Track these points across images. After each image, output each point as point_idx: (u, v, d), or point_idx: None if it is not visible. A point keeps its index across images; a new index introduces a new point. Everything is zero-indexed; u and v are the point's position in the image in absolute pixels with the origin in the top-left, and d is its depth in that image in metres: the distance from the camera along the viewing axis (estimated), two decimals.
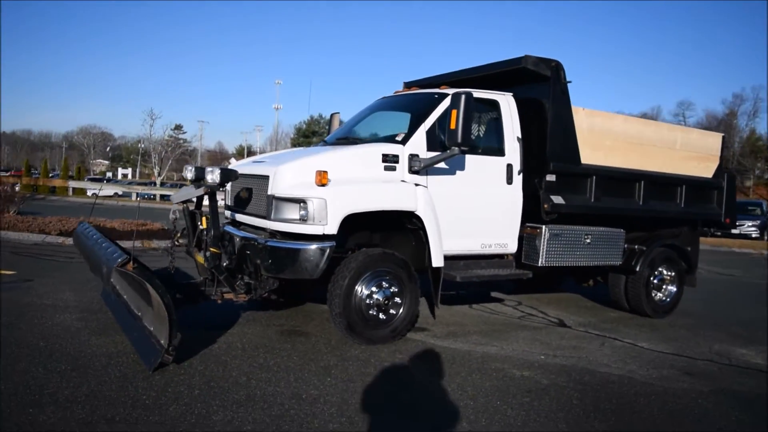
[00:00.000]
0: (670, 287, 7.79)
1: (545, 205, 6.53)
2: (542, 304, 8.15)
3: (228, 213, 6.51)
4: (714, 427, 4.04)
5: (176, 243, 5.94)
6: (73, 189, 34.96)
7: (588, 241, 6.87)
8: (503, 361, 5.24)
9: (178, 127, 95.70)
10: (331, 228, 5.19)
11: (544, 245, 6.51)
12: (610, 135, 7.01)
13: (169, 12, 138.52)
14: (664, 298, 7.75)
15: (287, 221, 5.30)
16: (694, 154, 7.87)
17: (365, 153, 5.70)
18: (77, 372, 4.24)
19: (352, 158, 5.66)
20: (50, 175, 44.42)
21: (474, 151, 6.27)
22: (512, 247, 6.55)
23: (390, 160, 5.66)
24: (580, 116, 6.70)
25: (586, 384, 4.75)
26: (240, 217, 6.15)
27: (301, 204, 5.20)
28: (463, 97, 5.43)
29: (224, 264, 5.59)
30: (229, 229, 6.11)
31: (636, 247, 7.50)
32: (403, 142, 5.81)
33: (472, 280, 6.19)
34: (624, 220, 7.40)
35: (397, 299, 5.60)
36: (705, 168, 8.01)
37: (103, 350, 4.79)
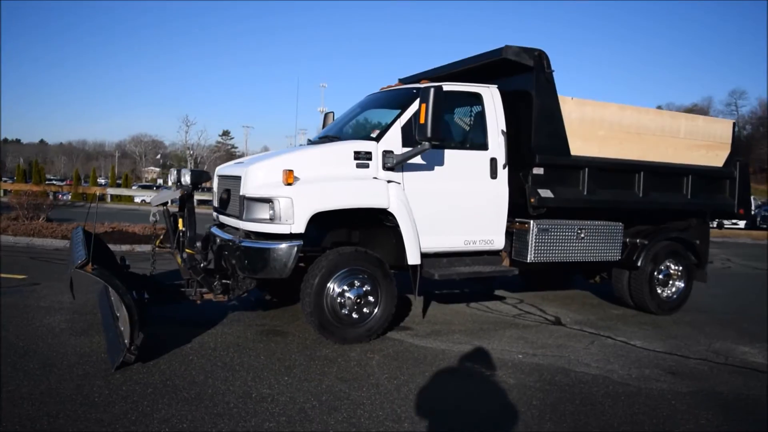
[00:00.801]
0: (677, 283, 7.43)
1: (531, 199, 6.33)
2: (545, 302, 7.91)
3: (214, 215, 6.60)
4: (677, 429, 3.81)
5: (157, 245, 6.05)
6: (111, 196, 36.50)
7: (582, 235, 6.63)
8: (470, 361, 5.11)
9: (225, 133, 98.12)
10: (298, 227, 5.18)
11: (532, 241, 6.32)
12: (603, 125, 6.74)
13: (218, 14, 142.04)
14: (670, 295, 7.39)
15: (257, 221, 5.32)
16: (702, 143, 7.47)
17: (337, 151, 5.66)
18: (43, 370, 4.37)
19: (323, 157, 5.63)
20: (102, 183, 46.50)
21: (454, 145, 6.19)
22: (499, 243, 6.37)
23: (362, 158, 5.61)
24: (568, 106, 6.47)
25: (555, 384, 4.57)
26: (222, 219, 6.22)
27: (269, 203, 5.21)
28: (431, 90, 5.33)
29: (202, 265, 5.67)
30: (214, 230, 6.20)
31: (638, 241, 7.19)
32: (378, 138, 5.75)
33: (452, 278, 6.05)
34: (625, 213, 7.12)
35: (371, 298, 5.53)
36: (714, 156, 7.60)
37: (77, 350, 4.91)
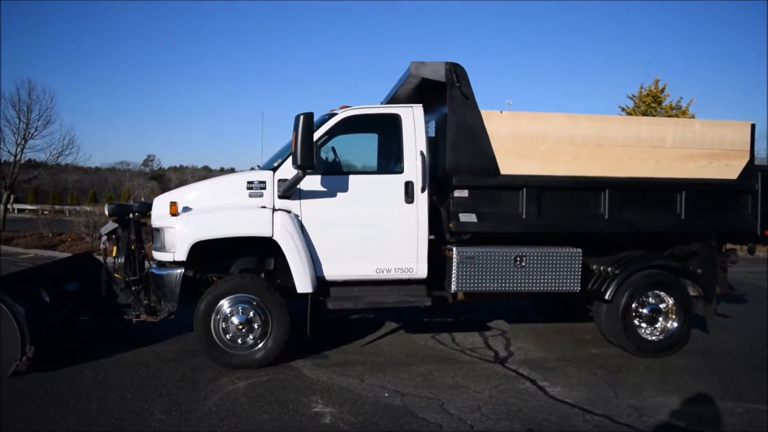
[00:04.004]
0: (669, 320, 6.19)
1: (450, 224, 5.88)
2: (528, 336, 7.12)
3: None
4: None
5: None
6: None
7: (523, 263, 5.91)
8: (327, 394, 4.94)
9: None
10: (180, 255, 5.53)
11: (455, 269, 5.84)
12: (547, 139, 5.97)
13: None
14: (657, 334, 6.18)
15: (156, 249, 5.81)
16: (701, 151, 6.18)
17: (231, 181, 5.93)
18: None
19: (218, 187, 5.94)
20: None
21: (361, 170, 6.11)
22: (420, 271, 5.99)
23: (255, 187, 5.77)
24: (495, 121, 5.89)
25: (371, 427, 4.25)
26: None
27: (159, 233, 5.66)
28: (301, 118, 5.34)
29: (133, 288, 6.29)
30: None
31: (609, 269, 6.18)
32: (276, 168, 5.87)
33: (344, 307, 5.86)
34: (595, 237, 6.20)
35: (258, 325, 5.61)
36: (724, 167, 6.21)
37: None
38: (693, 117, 19.20)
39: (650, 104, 19.83)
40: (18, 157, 17.87)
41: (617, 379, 5.47)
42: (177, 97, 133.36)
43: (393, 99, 7.01)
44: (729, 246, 6.84)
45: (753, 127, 6.27)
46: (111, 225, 6.54)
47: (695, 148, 6.17)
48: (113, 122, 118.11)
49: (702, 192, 6.17)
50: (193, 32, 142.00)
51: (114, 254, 6.36)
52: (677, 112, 19.62)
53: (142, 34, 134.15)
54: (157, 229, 5.72)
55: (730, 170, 6.23)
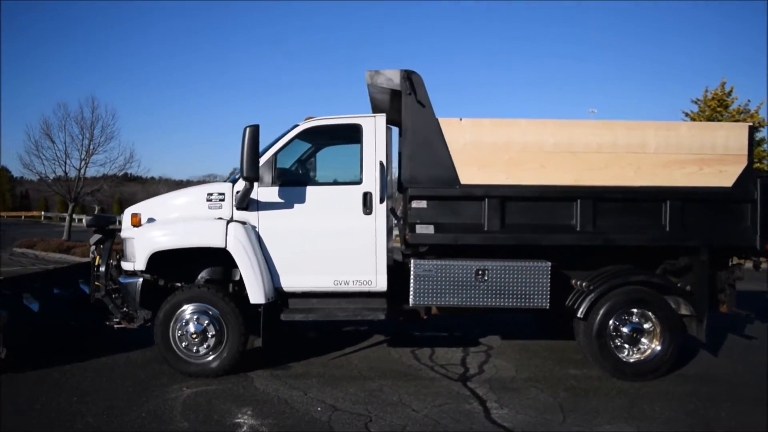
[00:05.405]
0: (652, 341, 5.66)
1: (406, 236, 5.70)
2: (514, 353, 6.75)
3: None
4: None
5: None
6: None
7: (485, 277, 5.62)
8: (261, 406, 4.92)
9: None
10: (140, 264, 5.73)
11: (412, 282, 5.65)
12: (511, 147, 5.67)
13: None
14: (640, 356, 5.66)
15: (124, 259, 6.04)
16: (690, 157, 5.63)
17: (193, 193, 6.06)
18: None
19: (181, 199, 6.09)
20: None
21: (317, 181, 6.11)
22: (380, 284, 5.85)
23: (214, 199, 5.88)
24: (454, 129, 5.68)
25: None
26: None
27: (124, 243, 5.90)
28: (246, 130, 5.40)
29: (113, 296, 6.57)
30: None
31: (583, 284, 5.76)
32: (236, 179, 5.95)
33: (295, 319, 5.79)
34: (581, 251, 5.82)
35: (214, 334, 5.67)
36: (717, 174, 5.62)
37: None
38: (762, 120, 17.65)
39: (716, 108, 18.35)
40: (82, 171, 19.39)
41: (576, 403, 5.05)
42: (264, 110, 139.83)
43: (373, 107, 6.93)
44: (735, 260, 6.18)
45: (751, 129, 5.64)
46: (98, 235, 6.88)
47: (682, 154, 5.64)
48: (203, 137, 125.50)
49: (690, 201, 5.62)
50: (276, 47, 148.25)
51: (97, 262, 6.68)
52: (745, 116, 18.05)
53: (228, 56, 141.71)
54: (124, 240, 5.96)
55: (725, 177, 5.63)
